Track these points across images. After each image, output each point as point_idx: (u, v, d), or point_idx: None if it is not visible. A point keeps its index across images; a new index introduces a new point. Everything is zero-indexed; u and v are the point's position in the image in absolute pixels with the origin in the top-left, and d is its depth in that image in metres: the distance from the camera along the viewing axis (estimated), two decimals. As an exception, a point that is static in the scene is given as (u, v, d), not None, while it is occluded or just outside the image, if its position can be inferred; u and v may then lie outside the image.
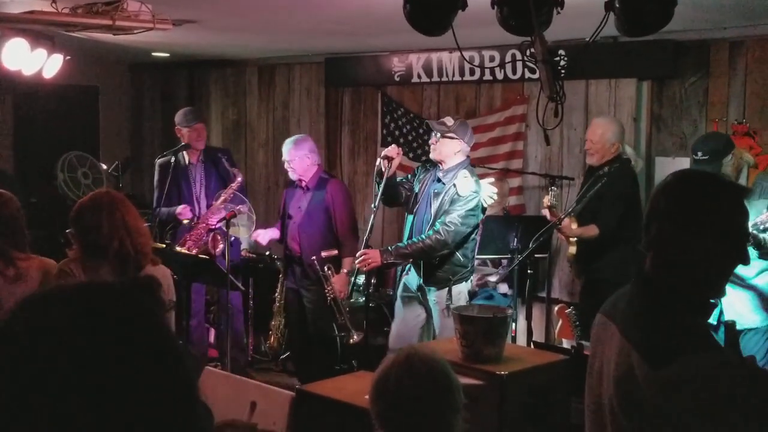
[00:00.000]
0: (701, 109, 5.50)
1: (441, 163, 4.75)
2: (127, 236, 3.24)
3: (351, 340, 5.00)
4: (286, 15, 5.18)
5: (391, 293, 5.76)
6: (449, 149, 4.71)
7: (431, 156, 4.80)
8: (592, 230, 4.77)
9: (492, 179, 5.06)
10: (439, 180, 4.75)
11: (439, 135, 4.72)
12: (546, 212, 4.89)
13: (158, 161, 6.04)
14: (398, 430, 2.17)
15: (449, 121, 4.79)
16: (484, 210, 4.84)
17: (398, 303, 4.96)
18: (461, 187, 4.62)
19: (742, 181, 4.29)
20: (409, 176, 4.95)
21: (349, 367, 5.60)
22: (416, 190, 4.86)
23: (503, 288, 5.68)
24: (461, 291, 4.75)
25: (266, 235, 5.64)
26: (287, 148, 5.42)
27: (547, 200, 4.97)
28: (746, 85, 5.31)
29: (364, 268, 4.71)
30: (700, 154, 4.27)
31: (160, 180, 5.90)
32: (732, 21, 5.06)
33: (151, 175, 8.64)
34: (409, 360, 2.21)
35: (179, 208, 5.71)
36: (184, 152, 5.91)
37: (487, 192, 4.77)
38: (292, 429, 3.12)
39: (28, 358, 0.90)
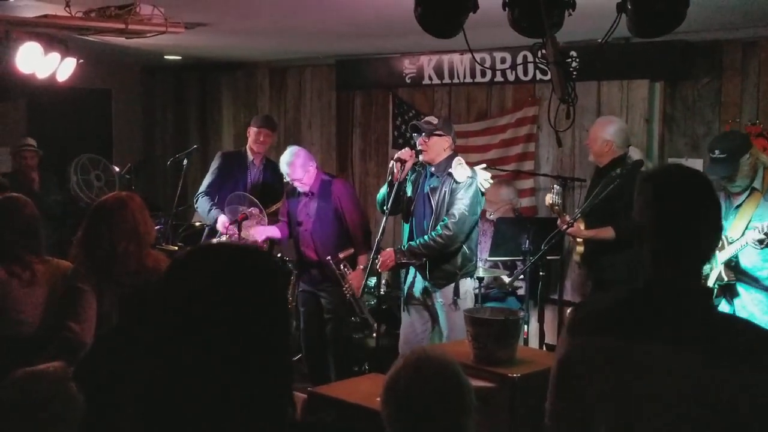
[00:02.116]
0: (714, 110, 5.48)
1: (431, 163, 4.75)
2: (134, 238, 3.30)
3: (373, 334, 4.99)
4: (298, 17, 5.19)
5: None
6: (439, 147, 4.72)
7: (422, 159, 4.76)
8: (606, 232, 4.73)
9: (484, 165, 5.04)
10: (432, 175, 4.75)
11: (425, 134, 4.72)
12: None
13: (223, 151, 6.35)
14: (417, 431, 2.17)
15: (434, 119, 4.83)
16: (482, 194, 4.82)
17: (404, 309, 4.94)
18: (457, 174, 4.63)
19: (758, 182, 4.25)
20: (403, 182, 4.88)
21: (361, 370, 5.60)
22: (409, 194, 4.85)
23: (521, 290, 5.64)
24: (467, 290, 4.74)
25: (264, 232, 5.61)
26: (290, 169, 5.32)
27: (549, 198, 4.95)
28: (759, 86, 5.28)
29: (382, 269, 4.73)
30: (717, 152, 4.23)
31: (218, 168, 6.02)
32: (745, 21, 5.04)
33: (162, 177, 8.74)
34: (419, 362, 2.21)
35: (221, 221, 5.72)
36: (249, 151, 5.99)
37: (482, 176, 4.75)
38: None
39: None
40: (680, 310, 1.80)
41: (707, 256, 1.92)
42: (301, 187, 5.42)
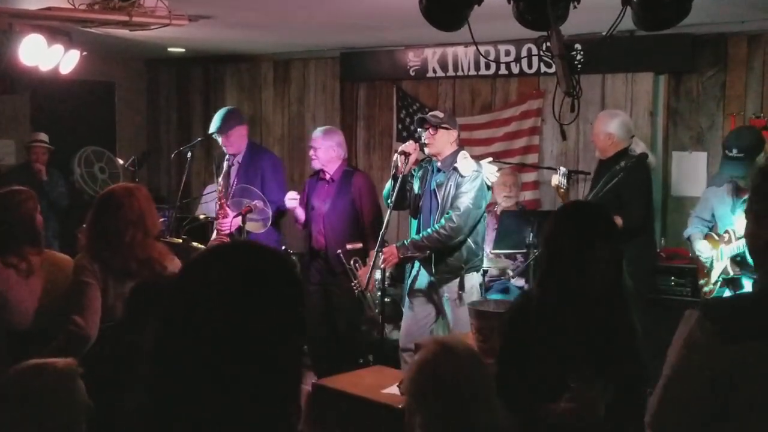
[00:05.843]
0: (718, 103, 5.47)
1: (437, 156, 4.75)
2: (140, 228, 3.31)
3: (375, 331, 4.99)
4: (302, 10, 5.19)
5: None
6: (445, 140, 4.73)
7: (427, 151, 4.77)
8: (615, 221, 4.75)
9: (490, 159, 5.03)
10: (439, 170, 4.75)
11: (432, 127, 4.73)
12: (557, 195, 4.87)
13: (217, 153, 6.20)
14: (456, 417, 2.19)
15: (440, 113, 4.84)
16: (489, 188, 4.82)
17: (406, 302, 4.94)
18: (462, 168, 4.63)
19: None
20: (409, 177, 4.89)
21: (365, 362, 5.61)
22: (417, 190, 4.85)
23: (519, 281, 5.65)
24: (473, 285, 4.73)
25: (294, 202, 5.56)
26: (316, 135, 5.46)
27: (554, 179, 4.93)
28: (764, 79, 5.28)
29: (384, 266, 4.73)
30: (735, 151, 4.21)
31: (214, 168, 6.01)
32: (750, 14, 5.03)
33: (166, 169, 8.76)
34: (453, 350, 2.25)
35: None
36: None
37: (488, 170, 4.75)
38: (309, 423, 3.13)
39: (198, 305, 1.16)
40: None
41: None
42: (315, 163, 5.45)
